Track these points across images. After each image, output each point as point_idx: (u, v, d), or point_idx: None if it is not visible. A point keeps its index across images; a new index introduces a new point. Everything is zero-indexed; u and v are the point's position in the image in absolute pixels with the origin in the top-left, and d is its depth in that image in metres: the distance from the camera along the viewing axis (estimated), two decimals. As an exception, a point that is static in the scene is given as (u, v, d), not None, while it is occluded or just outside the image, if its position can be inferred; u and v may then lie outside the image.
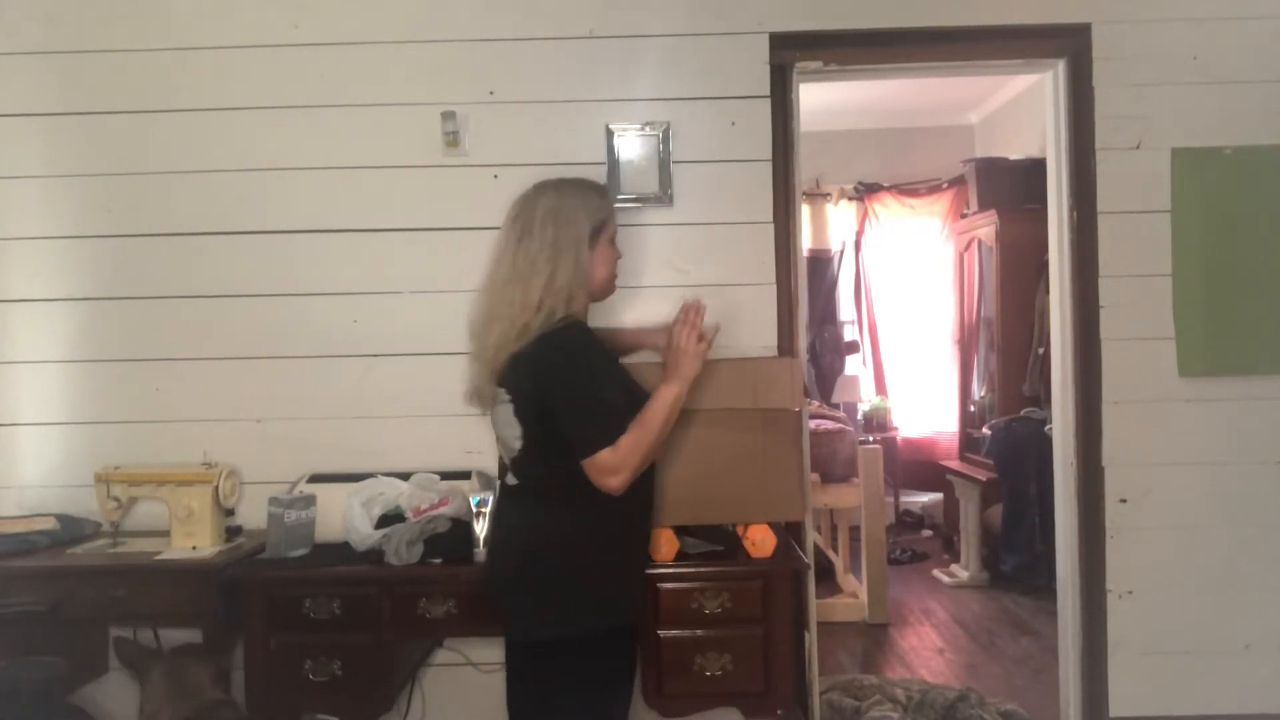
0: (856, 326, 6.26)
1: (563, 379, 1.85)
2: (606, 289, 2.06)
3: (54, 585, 2.33)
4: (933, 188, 6.09)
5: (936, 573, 4.96)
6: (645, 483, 1.98)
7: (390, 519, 2.35)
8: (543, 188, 2.00)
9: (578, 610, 1.89)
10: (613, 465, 1.82)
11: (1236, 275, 2.74)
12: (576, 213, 1.94)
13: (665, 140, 2.69)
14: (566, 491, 1.88)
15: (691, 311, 1.99)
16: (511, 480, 1.98)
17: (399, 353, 2.71)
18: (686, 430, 2.27)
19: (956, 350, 5.82)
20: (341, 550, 2.37)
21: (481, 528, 2.30)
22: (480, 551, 2.29)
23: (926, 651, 3.83)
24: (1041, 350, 4.62)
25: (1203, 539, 2.74)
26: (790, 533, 2.52)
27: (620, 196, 2.70)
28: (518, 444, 1.90)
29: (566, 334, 1.89)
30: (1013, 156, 5.17)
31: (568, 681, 1.88)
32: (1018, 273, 4.85)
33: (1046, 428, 3.85)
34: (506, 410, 1.90)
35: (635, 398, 1.93)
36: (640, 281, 2.70)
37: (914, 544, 5.57)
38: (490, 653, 2.63)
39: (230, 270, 2.73)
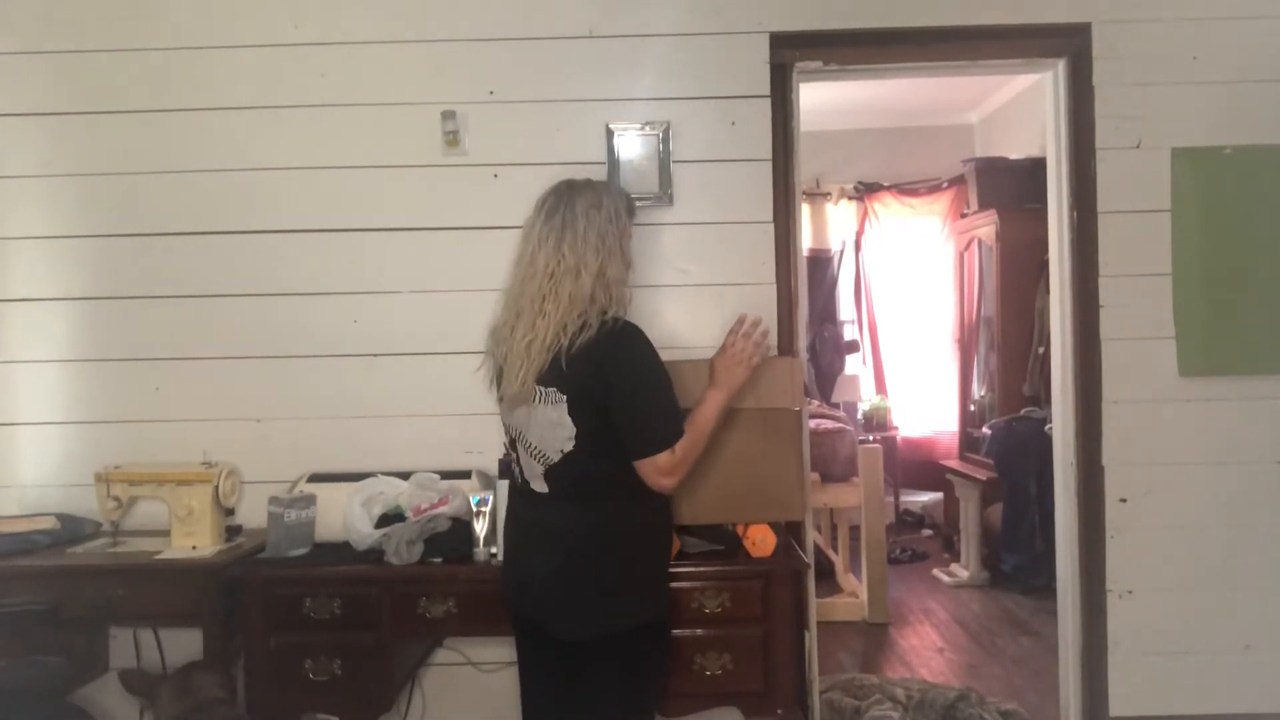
0: (856, 326, 6.26)
1: (630, 377, 1.85)
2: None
3: (54, 585, 2.33)
4: (933, 187, 6.09)
5: (936, 572, 4.96)
6: None
7: (390, 519, 2.35)
8: (576, 185, 1.98)
9: (641, 604, 1.92)
10: (669, 467, 1.86)
11: (1236, 275, 2.74)
12: (618, 209, 1.97)
13: (665, 140, 2.69)
14: (628, 490, 1.89)
15: (749, 324, 2.07)
16: (544, 485, 1.91)
17: (399, 352, 2.71)
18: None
19: (956, 350, 5.82)
20: (341, 550, 2.38)
21: (481, 527, 2.30)
22: (481, 551, 2.29)
23: (926, 651, 3.83)
24: (1041, 350, 4.62)
25: (1203, 539, 2.74)
26: (790, 532, 2.52)
27: (620, 196, 2.70)
28: (569, 444, 1.86)
29: (631, 333, 1.88)
30: (1013, 156, 5.17)
31: (623, 674, 1.90)
32: (1018, 273, 4.85)
33: (1046, 427, 3.85)
34: (557, 410, 1.85)
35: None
36: (640, 281, 2.68)
37: (914, 544, 5.57)
38: (490, 652, 2.63)
39: (230, 270, 2.73)
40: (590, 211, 1.91)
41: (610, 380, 1.83)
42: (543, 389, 1.86)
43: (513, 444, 1.98)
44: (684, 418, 1.92)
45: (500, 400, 2.00)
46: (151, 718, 2.17)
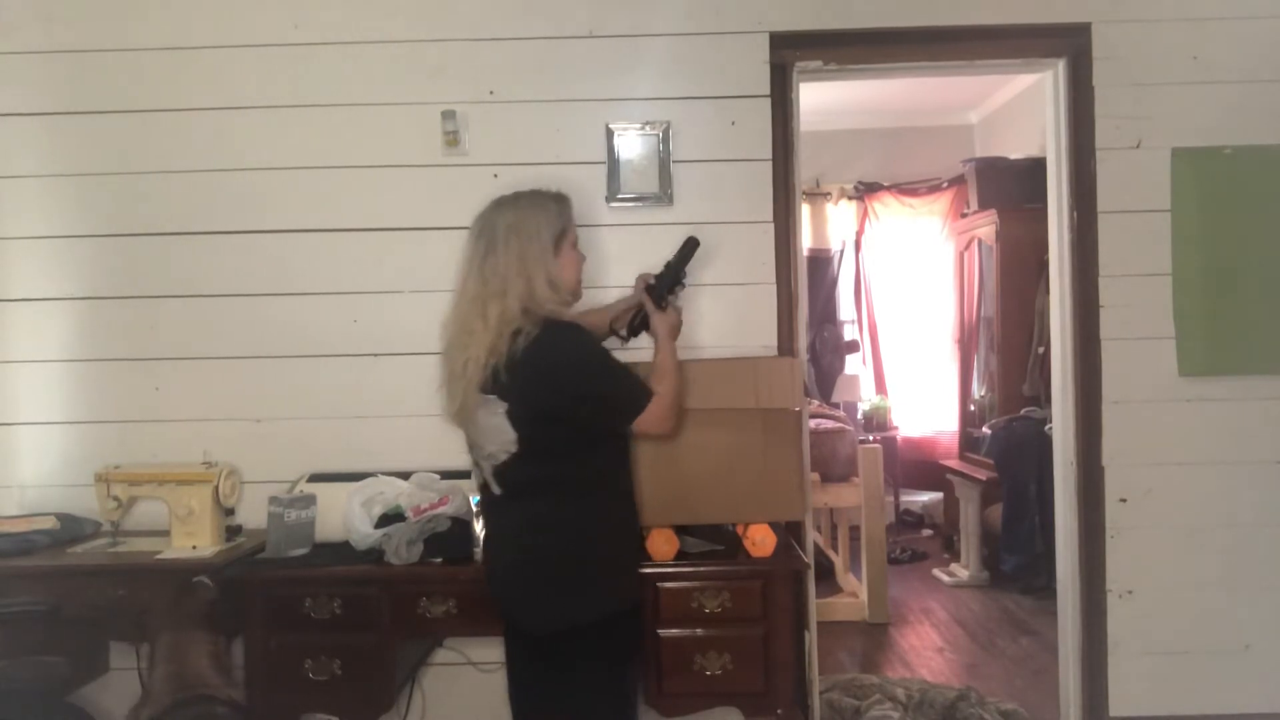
0: (856, 326, 6.25)
1: (580, 372, 1.92)
2: (577, 293, 2.10)
3: (54, 585, 2.34)
4: (933, 187, 6.09)
5: (936, 572, 4.96)
6: (629, 468, 2.12)
7: (390, 518, 2.35)
8: (500, 203, 2.04)
9: (601, 595, 1.94)
10: (661, 412, 2.00)
11: (1236, 275, 2.74)
12: (539, 226, 1.98)
13: (665, 140, 2.69)
14: (577, 487, 1.95)
15: (641, 281, 2.26)
16: (497, 486, 1.97)
17: (399, 352, 2.71)
18: (686, 430, 2.27)
19: (956, 350, 5.82)
20: (341, 550, 2.38)
21: (481, 527, 2.29)
22: (481, 551, 2.29)
23: (926, 651, 3.83)
24: (1041, 350, 4.62)
25: (1203, 539, 2.74)
26: (790, 532, 2.52)
27: (620, 196, 2.70)
28: (511, 448, 1.91)
29: (564, 334, 1.93)
30: (1013, 156, 5.17)
31: (596, 664, 1.93)
32: (1018, 273, 4.84)
33: (1046, 427, 3.85)
34: (498, 419, 1.90)
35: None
36: (640, 281, 2.71)
37: (914, 544, 5.57)
38: (490, 652, 2.63)
39: (230, 270, 2.73)
40: (509, 236, 1.96)
41: (559, 384, 1.90)
42: (483, 396, 1.91)
43: (470, 447, 2.04)
44: (642, 380, 2.03)
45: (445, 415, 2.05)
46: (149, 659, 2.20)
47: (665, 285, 2.24)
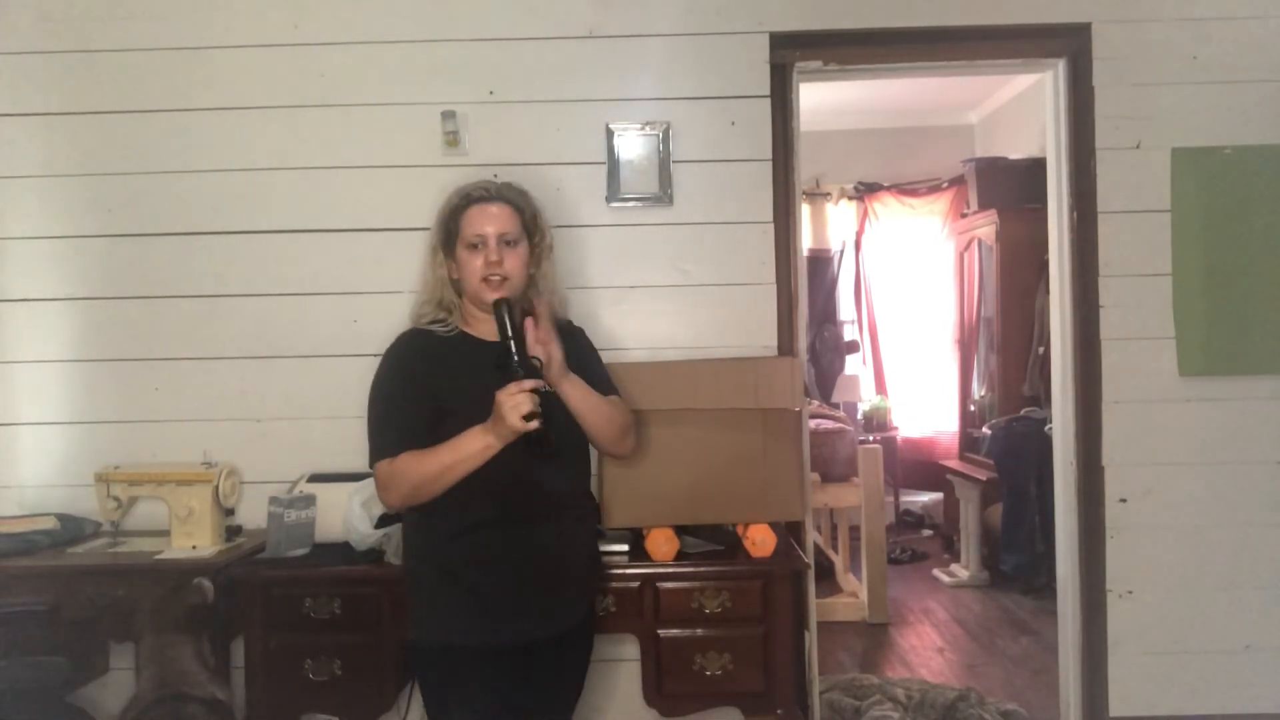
0: (856, 326, 6.26)
1: (372, 387, 1.89)
2: (478, 297, 1.89)
3: (54, 585, 2.33)
4: (933, 187, 6.09)
5: (936, 572, 4.96)
6: (482, 485, 1.77)
7: (390, 519, 2.35)
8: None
9: (414, 621, 1.90)
10: (382, 480, 1.80)
11: (1236, 275, 2.73)
12: (434, 224, 1.97)
13: (665, 140, 2.69)
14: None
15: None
16: None
17: (399, 352, 2.71)
18: (687, 430, 2.27)
19: (956, 350, 5.82)
20: (341, 550, 2.38)
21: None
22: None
23: (926, 651, 3.83)
24: (1041, 350, 4.62)
25: (1203, 539, 2.74)
26: (790, 532, 2.52)
27: (620, 196, 2.70)
28: None
29: (392, 343, 1.94)
30: (1013, 156, 5.17)
31: (423, 686, 1.90)
32: (1018, 273, 4.84)
33: (1046, 427, 3.85)
34: None
35: (453, 419, 1.77)
36: (641, 281, 2.70)
37: (914, 544, 5.57)
38: (490, 652, 2.63)
39: (230, 270, 2.73)
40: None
41: None
42: None
43: None
44: (398, 435, 1.78)
45: None
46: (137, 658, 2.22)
47: (509, 361, 1.74)
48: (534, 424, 1.66)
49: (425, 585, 1.87)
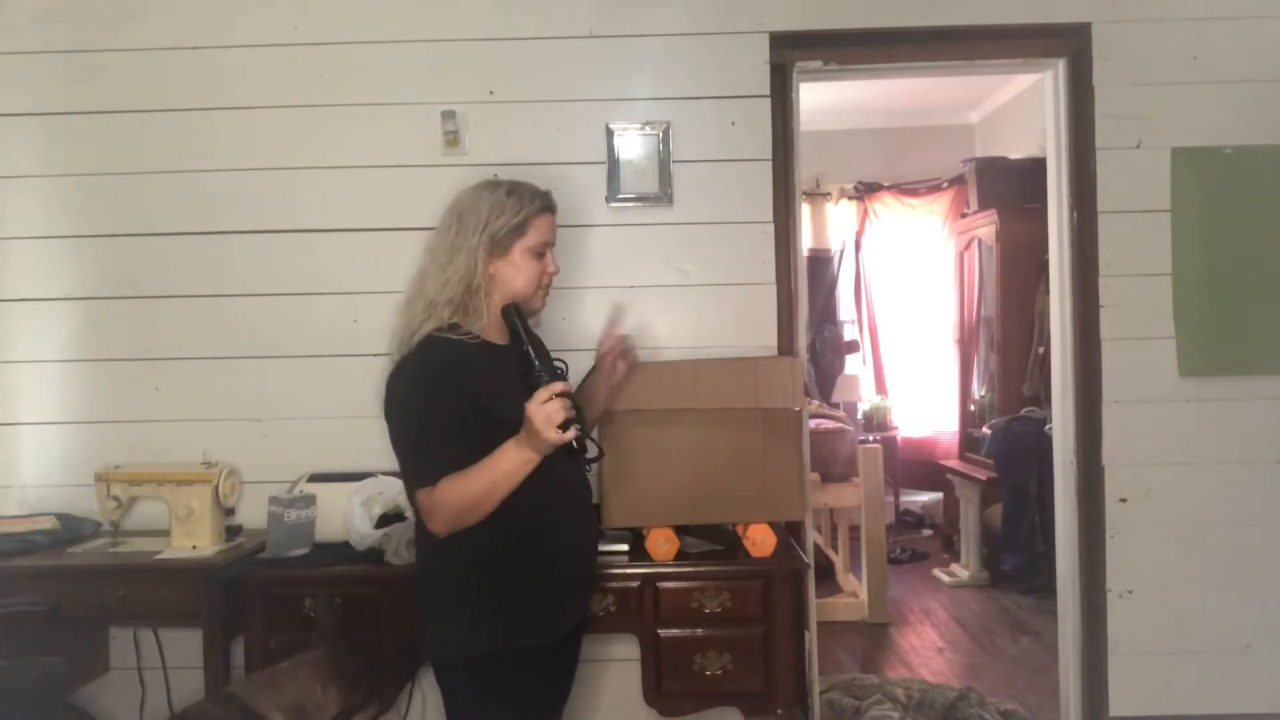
0: (856, 326, 6.26)
1: (391, 406, 1.74)
2: (529, 304, 1.88)
3: (54, 585, 2.33)
4: (933, 187, 6.09)
5: (936, 572, 4.96)
6: (533, 491, 1.71)
7: (390, 518, 2.35)
8: (475, 185, 1.90)
9: (440, 636, 1.82)
10: (427, 509, 1.68)
11: (1236, 275, 2.74)
12: (484, 214, 1.80)
13: (665, 140, 2.69)
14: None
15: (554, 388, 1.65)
16: None
17: (399, 352, 2.71)
18: (687, 430, 2.27)
19: (956, 350, 5.82)
20: (341, 550, 2.37)
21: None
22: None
23: (926, 651, 3.83)
24: (1041, 350, 4.62)
25: (1203, 539, 2.74)
26: (790, 532, 2.52)
27: (620, 196, 2.70)
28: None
29: (407, 360, 1.76)
30: (1013, 156, 5.17)
31: (451, 705, 1.84)
32: (1018, 273, 4.84)
33: (1046, 427, 3.85)
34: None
35: (504, 426, 1.68)
36: (641, 281, 2.70)
37: (914, 544, 5.57)
38: (490, 652, 2.62)
39: (230, 270, 2.73)
40: (452, 213, 1.85)
41: (386, 407, 1.76)
42: None
43: None
44: (438, 461, 1.67)
45: None
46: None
47: (531, 369, 1.73)
48: (570, 433, 1.61)
49: (468, 595, 1.77)
